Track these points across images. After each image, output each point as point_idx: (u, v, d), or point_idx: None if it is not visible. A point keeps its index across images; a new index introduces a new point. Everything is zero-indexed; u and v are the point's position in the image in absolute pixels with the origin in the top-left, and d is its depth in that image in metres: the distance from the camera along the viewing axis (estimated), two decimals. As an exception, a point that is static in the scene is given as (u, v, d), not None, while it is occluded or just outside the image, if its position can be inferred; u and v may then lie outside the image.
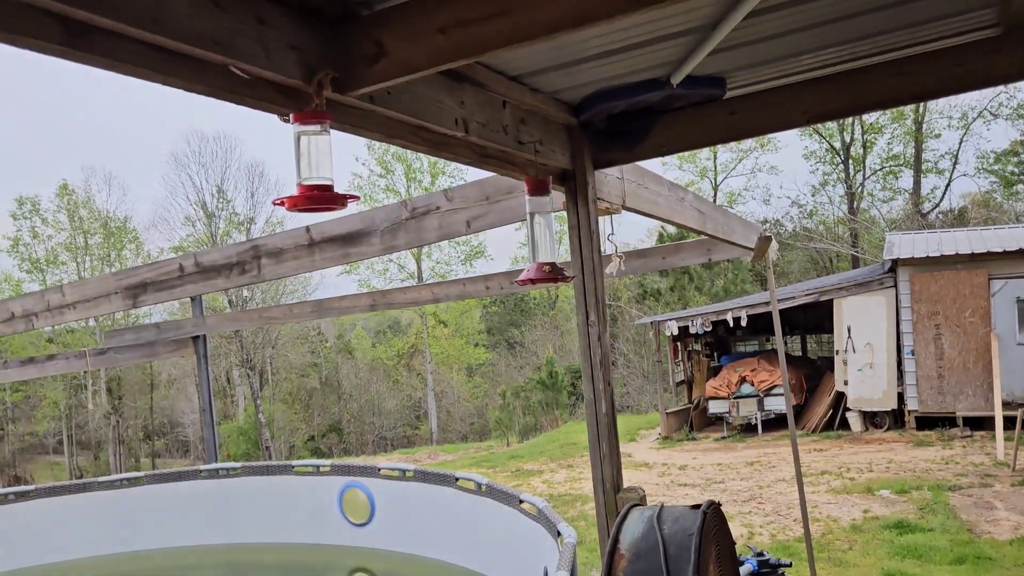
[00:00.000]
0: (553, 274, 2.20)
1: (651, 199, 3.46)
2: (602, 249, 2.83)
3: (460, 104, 2.03)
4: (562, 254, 2.64)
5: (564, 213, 2.94)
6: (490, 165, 2.34)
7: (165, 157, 44.45)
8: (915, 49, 2.37)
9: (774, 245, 6.08)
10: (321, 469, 7.46)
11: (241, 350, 30.21)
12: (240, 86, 1.53)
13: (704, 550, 1.80)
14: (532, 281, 2.20)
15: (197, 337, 9.42)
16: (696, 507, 1.96)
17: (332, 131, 1.66)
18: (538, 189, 2.26)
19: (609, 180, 3.04)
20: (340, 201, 1.56)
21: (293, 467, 7.66)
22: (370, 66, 1.63)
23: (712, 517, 1.94)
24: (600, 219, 2.90)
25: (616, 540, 1.89)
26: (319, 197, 1.53)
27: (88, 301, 4.08)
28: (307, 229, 3.61)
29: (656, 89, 2.35)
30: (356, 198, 1.58)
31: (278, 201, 1.54)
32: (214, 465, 8.08)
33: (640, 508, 2.01)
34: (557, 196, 2.73)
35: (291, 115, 1.55)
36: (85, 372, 32.59)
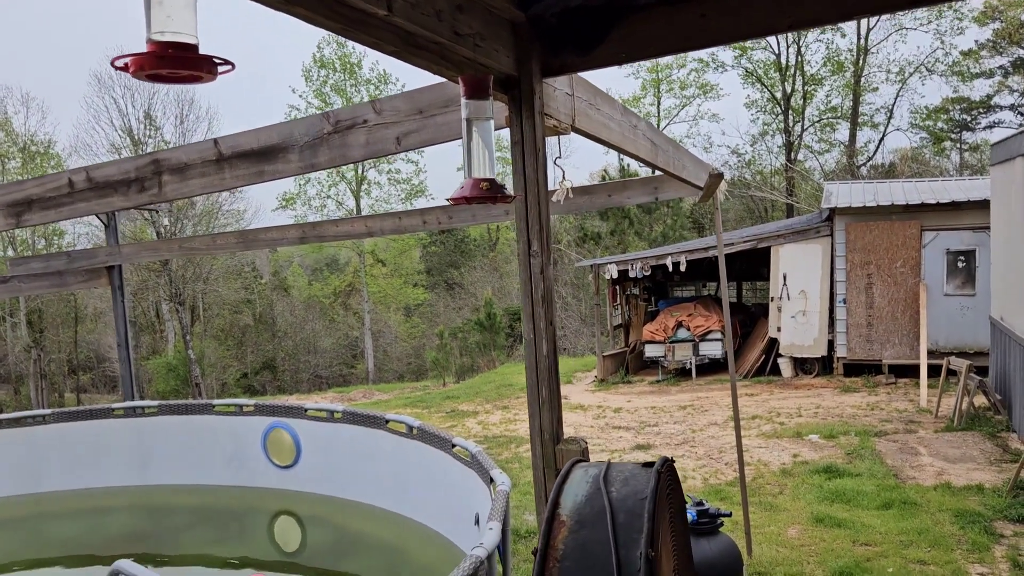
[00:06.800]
0: (492, 192, 1.87)
1: (603, 122, 3.14)
2: (548, 172, 2.50)
3: (382, -27, 1.66)
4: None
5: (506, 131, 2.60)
6: (419, 58, 1.97)
7: (87, 78, 41.78)
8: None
9: (723, 185, 5.86)
10: (244, 408, 7.12)
11: (170, 284, 29.12)
12: None
13: (658, 517, 1.55)
14: (467, 199, 1.87)
15: (112, 267, 8.84)
16: (648, 465, 1.70)
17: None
18: (477, 91, 1.92)
19: (558, 95, 2.70)
20: (206, 67, 1.15)
21: (214, 406, 7.30)
22: None
23: (666, 477, 1.68)
24: (547, 140, 2.57)
25: (556, 504, 1.61)
26: (176, 58, 1.11)
27: (-38, 219, 3.58)
28: (215, 142, 3.17)
29: (619, -22, 2.01)
30: (230, 65, 1.20)
31: (119, 63, 1.14)
32: (129, 403, 7.64)
33: (584, 466, 1.73)
34: (499, 109, 2.38)
35: (139, -56, 1.16)
36: (4, 304, 31.03)
